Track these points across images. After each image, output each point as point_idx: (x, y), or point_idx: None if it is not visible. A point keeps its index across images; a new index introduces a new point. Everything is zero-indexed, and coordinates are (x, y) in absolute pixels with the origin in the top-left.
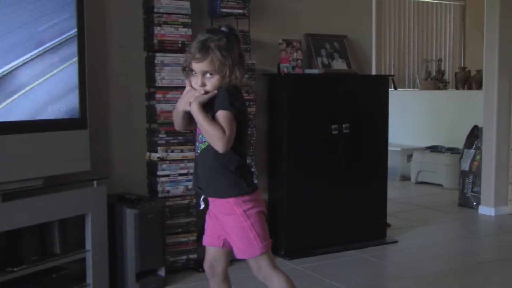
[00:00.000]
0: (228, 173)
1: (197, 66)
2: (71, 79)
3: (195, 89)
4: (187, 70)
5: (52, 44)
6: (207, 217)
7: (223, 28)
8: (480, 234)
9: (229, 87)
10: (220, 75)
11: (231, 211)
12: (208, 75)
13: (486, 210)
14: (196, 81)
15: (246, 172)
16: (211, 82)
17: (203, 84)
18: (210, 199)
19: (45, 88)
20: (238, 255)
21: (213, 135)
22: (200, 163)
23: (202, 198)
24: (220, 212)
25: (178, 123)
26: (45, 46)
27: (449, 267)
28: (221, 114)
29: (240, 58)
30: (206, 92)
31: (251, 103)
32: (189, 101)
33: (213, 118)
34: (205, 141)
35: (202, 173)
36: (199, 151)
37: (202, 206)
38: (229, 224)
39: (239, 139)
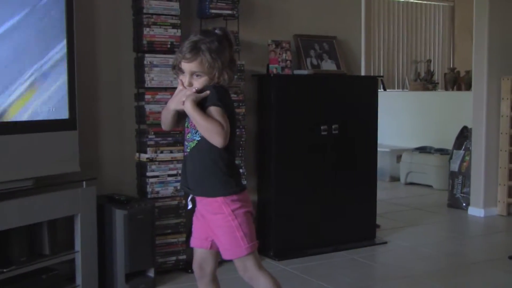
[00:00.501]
0: (218, 171)
1: (186, 66)
2: (60, 80)
3: (186, 88)
4: (177, 69)
5: (40, 43)
6: (194, 218)
7: (217, 31)
8: (469, 235)
9: (216, 85)
10: (208, 77)
11: (219, 210)
12: (195, 76)
13: (475, 211)
14: (184, 80)
15: (235, 172)
16: (199, 83)
17: (191, 84)
18: (198, 198)
19: (35, 88)
20: (225, 255)
21: (212, 130)
22: (189, 162)
23: (190, 198)
24: (208, 211)
25: (167, 122)
26: (34, 47)
27: (438, 268)
28: (213, 110)
29: (230, 62)
30: (199, 91)
31: (240, 104)
32: (181, 100)
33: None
34: (194, 140)
35: (191, 172)
36: (188, 150)
37: (190, 206)
38: (217, 223)
39: (229, 138)
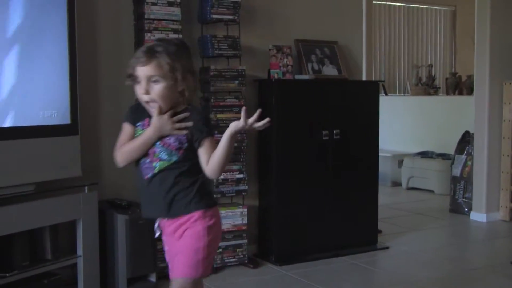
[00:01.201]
0: (195, 189)
1: (141, 71)
2: (62, 85)
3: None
4: (133, 78)
5: (43, 50)
6: (166, 249)
7: (175, 41)
8: (471, 240)
9: (199, 107)
10: (169, 82)
11: (192, 225)
12: (152, 82)
13: (477, 216)
14: (140, 89)
15: (207, 187)
16: (156, 90)
17: (147, 92)
18: (168, 222)
19: (36, 94)
20: (174, 273)
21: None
22: (157, 184)
23: (156, 224)
24: (178, 230)
25: (138, 155)
26: (36, 53)
27: (440, 274)
28: (212, 141)
29: (192, 72)
30: (174, 114)
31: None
32: (166, 127)
33: (195, 142)
34: (171, 160)
35: (162, 193)
36: (156, 171)
37: (158, 234)
38: (185, 239)
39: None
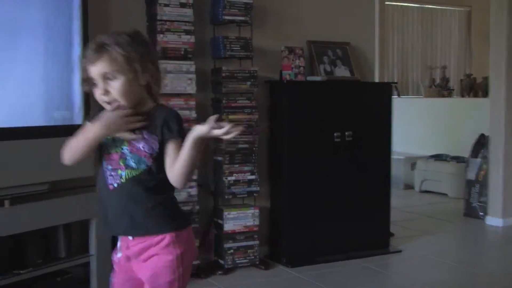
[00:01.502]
0: (166, 205)
1: (94, 70)
2: (75, 85)
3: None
4: (88, 82)
5: (56, 50)
6: (118, 275)
7: (127, 31)
8: (486, 245)
9: (172, 109)
10: (131, 75)
11: (163, 252)
12: (108, 80)
13: (493, 220)
14: (97, 91)
15: (178, 205)
16: (115, 87)
17: (107, 92)
18: (134, 241)
19: (50, 94)
20: None
21: (193, 172)
22: (123, 198)
23: (120, 244)
24: (145, 253)
25: (82, 152)
26: (50, 54)
27: (454, 278)
28: (180, 144)
29: (153, 61)
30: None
31: (253, 110)
32: (116, 125)
33: (164, 142)
34: (139, 168)
35: (126, 211)
36: (122, 181)
37: (120, 255)
38: (156, 269)
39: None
